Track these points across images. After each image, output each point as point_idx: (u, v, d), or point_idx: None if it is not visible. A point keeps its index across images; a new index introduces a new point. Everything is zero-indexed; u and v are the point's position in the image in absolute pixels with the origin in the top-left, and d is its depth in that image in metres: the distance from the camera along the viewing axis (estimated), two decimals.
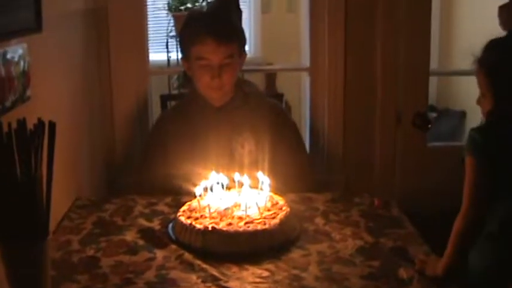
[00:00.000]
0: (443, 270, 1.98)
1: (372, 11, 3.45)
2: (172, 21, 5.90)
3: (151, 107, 3.64)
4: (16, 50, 2.01)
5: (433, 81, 3.60)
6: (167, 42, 6.02)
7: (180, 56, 3.17)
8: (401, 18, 3.43)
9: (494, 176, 2.10)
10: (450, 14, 6.04)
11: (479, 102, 2.25)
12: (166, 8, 6.02)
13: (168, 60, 6.04)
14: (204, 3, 5.72)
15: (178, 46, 2.99)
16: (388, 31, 3.44)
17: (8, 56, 1.94)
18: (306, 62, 3.66)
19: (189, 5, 5.74)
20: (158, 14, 6.30)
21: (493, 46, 2.23)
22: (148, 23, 3.62)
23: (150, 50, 3.60)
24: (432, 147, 3.65)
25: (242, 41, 2.91)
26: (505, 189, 2.12)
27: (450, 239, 2.04)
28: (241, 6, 3.05)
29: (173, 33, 5.90)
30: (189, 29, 2.85)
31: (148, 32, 3.60)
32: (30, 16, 2.17)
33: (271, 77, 6.46)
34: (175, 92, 5.55)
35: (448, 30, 6.01)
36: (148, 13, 3.66)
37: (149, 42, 3.58)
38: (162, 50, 6.08)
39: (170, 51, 6.00)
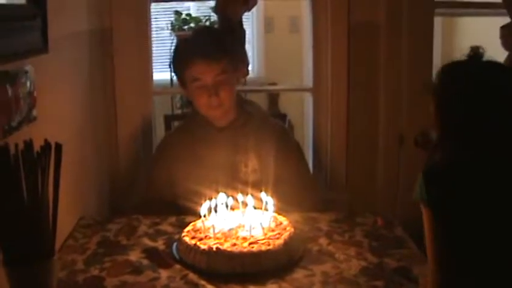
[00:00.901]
0: None
1: (374, 32, 3.46)
2: (175, 40, 5.93)
3: (155, 127, 3.65)
4: (23, 71, 2.03)
5: None
6: (170, 62, 6.04)
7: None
8: (404, 39, 3.44)
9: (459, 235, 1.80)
10: (452, 32, 6.07)
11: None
12: (170, 28, 6.05)
13: (171, 79, 6.06)
14: (207, 23, 5.76)
15: (174, 71, 3.00)
16: (391, 51, 3.45)
17: (15, 77, 1.95)
18: (309, 82, 3.68)
19: (192, 25, 5.77)
20: (161, 33, 6.33)
21: (446, 72, 2.01)
22: (152, 43, 3.64)
23: (153, 70, 3.62)
24: None
25: (234, 55, 2.91)
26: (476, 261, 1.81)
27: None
28: (244, 26, 3.06)
29: None
30: (179, 55, 2.90)
31: (152, 53, 3.62)
32: (36, 37, 2.18)
33: (274, 97, 6.49)
34: (178, 111, 5.57)
35: (450, 47, 6.03)
36: (152, 33, 3.67)
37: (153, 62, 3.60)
38: (165, 69, 6.11)
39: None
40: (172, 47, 5.91)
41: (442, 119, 1.98)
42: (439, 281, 1.82)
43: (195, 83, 2.79)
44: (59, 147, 1.58)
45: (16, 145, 1.52)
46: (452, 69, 2.00)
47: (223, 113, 2.86)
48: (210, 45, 2.83)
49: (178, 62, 2.90)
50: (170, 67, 5.95)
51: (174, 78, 5.92)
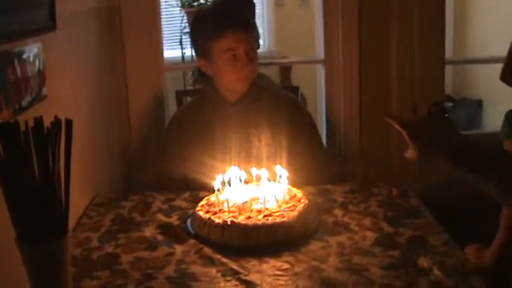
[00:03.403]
0: (491, 262, 1.91)
1: (386, 2, 3.44)
2: (185, 17, 5.92)
3: (167, 103, 3.64)
4: (31, 49, 2.02)
5: (448, 70, 3.58)
6: (181, 38, 6.05)
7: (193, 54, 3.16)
8: (416, 9, 3.42)
9: None
10: (464, 2, 6.02)
11: None
12: (179, 5, 6.03)
13: (183, 56, 6.06)
14: None
15: (193, 46, 2.95)
16: (402, 21, 3.43)
17: (24, 55, 1.95)
18: (320, 54, 3.66)
19: (202, 1, 5.75)
20: (171, 10, 6.32)
21: None
22: (162, 20, 3.62)
23: (164, 47, 3.60)
24: None
25: (258, 32, 2.92)
26: None
27: (499, 232, 1.94)
28: (254, 0, 3.05)
29: (187, 30, 5.92)
30: (206, 25, 2.84)
31: (162, 29, 3.61)
32: (44, 15, 2.17)
33: (286, 70, 6.48)
34: (190, 87, 5.57)
35: (462, 18, 5.99)
36: (161, 10, 3.66)
37: (163, 39, 3.59)
38: (176, 46, 6.11)
39: (184, 48, 6.02)
40: (183, 24, 5.96)
41: None
42: None
43: (226, 53, 2.78)
44: (69, 123, 1.57)
45: (26, 122, 1.52)
46: None
47: (248, 84, 2.85)
48: (244, 15, 2.84)
49: (205, 32, 2.84)
50: (181, 43, 5.99)
51: (186, 54, 5.99)
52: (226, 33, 2.75)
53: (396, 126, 1.86)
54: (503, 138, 2.04)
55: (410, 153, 1.85)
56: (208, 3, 5.64)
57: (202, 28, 2.86)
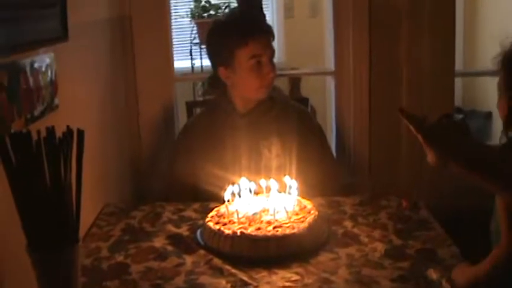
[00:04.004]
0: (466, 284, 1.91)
1: (396, 14, 3.43)
2: (195, 28, 5.93)
3: (177, 114, 3.65)
4: (43, 59, 2.03)
5: (458, 82, 3.58)
6: (191, 49, 6.05)
7: (205, 62, 3.15)
8: (426, 20, 3.41)
9: None
10: (474, 14, 6.02)
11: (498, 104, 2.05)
12: (189, 16, 6.04)
13: (192, 67, 6.07)
14: (226, 10, 5.75)
15: (213, 55, 2.93)
16: (412, 33, 3.43)
17: (36, 65, 1.96)
18: (330, 65, 3.66)
19: (212, 12, 5.76)
20: (181, 21, 6.33)
21: None
22: (172, 31, 3.63)
23: (174, 58, 3.61)
24: None
25: None
26: None
27: (485, 262, 1.92)
28: (264, 11, 3.06)
29: (196, 41, 5.93)
30: (229, 33, 2.82)
31: (172, 40, 3.61)
32: (56, 25, 2.18)
33: (295, 82, 6.47)
34: (200, 98, 5.57)
35: (472, 30, 5.99)
36: (171, 21, 3.67)
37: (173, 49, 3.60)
38: (185, 57, 6.11)
39: (194, 58, 6.03)
40: (193, 34, 5.97)
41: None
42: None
43: (251, 60, 2.77)
44: (81, 133, 1.57)
45: (38, 132, 1.52)
46: None
47: (267, 92, 2.87)
48: (265, 22, 2.86)
49: (228, 40, 2.81)
50: (191, 54, 5.99)
51: (195, 65, 6.00)
52: (251, 39, 2.76)
53: (411, 127, 1.85)
54: None
55: (430, 158, 1.84)
56: (219, 14, 5.65)
57: (224, 36, 2.83)
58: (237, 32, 2.78)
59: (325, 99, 4.24)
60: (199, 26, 5.79)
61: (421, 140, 1.83)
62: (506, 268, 1.84)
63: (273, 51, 2.82)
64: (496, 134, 5.33)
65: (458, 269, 1.97)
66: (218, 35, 2.87)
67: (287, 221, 2.23)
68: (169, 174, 3.02)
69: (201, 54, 5.91)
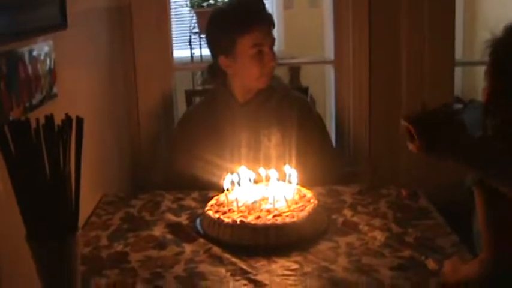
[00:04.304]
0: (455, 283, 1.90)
1: (395, 3, 3.43)
2: (194, 17, 5.92)
3: (176, 103, 3.64)
4: (42, 48, 2.02)
5: (457, 72, 3.57)
6: (190, 38, 6.05)
7: (204, 51, 3.14)
8: (426, 9, 3.41)
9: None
10: (474, 2, 6.00)
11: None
12: (189, 5, 6.03)
13: (192, 56, 6.07)
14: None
15: (213, 44, 2.91)
16: (412, 22, 3.42)
17: (34, 53, 1.95)
18: (330, 55, 3.65)
19: (211, 1, 5.75)
20: (180, 11, 6.32)
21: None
22: (171, 20, 3.62)
23: (173, 47, 3.60)
24: None
25: None
26: None
27: (474, 264, 1.90)
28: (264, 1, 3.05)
29: (196, 30, 5.92)
30: (230, 22, 2.80)
31: (172, 29, 3.61)
32: (55, 13, 2.17)
33: (295, 71, 6.47)
34: (199, 88, 5.57)
35: (471, 19, 5.97)
36: (171, 10, 3.66)
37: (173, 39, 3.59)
38: (185, 46, 6.11)
39: (193, 48, 6.02)
40: (192, 24, 5.96)
41: (496, 79, 1.92)
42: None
43: (253, 49, 2.77)
44: (80, 121, 1.57)
45: (37, 120, 1.52)
46: None
47: (268, 81, 2.85)
48: (265, 11, 2.85)
49: (229, 29, 2.80)
50: (190, 43, 5.99)
51: (195, 54, 6.00)
52: (253, 28, 2.75)
53: (409, 127, 1.85)
54: None
55: (412, 147, 1.85)
56: (218, 3, 5.64)
57: (226, 24, 2.82)
58: (238, 20, 2.77)
59: (325, 89, 4.23)
60: (199, 15, 5.78)
61: (413, 131, 1.82)
62: (495, 271, 1.80)
63: (273, 40, 2.81)
64: None
65: (450, 264, 1.96)
66: (219, 23, 2.86)
67: (287, 210, 2.23)
68: (169, 163, 3.02)
69: (200, 44, 5.90)
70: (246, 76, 2.83)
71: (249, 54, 2.76)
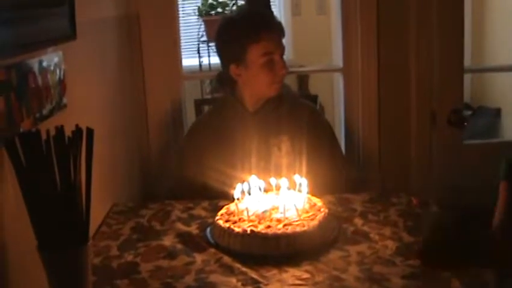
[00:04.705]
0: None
1: (404, 10, 3.42)
2: (203, 25, 5.93)
3: (185, 112, 3.64)
4: (52, 58, 2.03)
5: (466, 78, 3.56)
6: (198, 47, 6.05)
7: (212, 60, 3.15)
8: (434, 17, 3.40)
9: None
10: (482, 10, 6.00)
11: None
12: (197, 13, 6.04)
13: (200, 65, 6.07)
14: (234, 7, 5.74)
15: (224, 52, 2.92)
16: (421, 29, 3.42)
17: (44, 64, 1.95)
18: (338, 62, 3.65)
19: (219, 10, 5.76)
20: (188, 19, 6.33)
21: None
22: (179, 28, 3.62)
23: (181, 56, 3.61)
24: (468, 145, 3.61)
25: None
26: None
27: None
28: (272, 9, 3.05)
29: (204, 38, 5.93)
30: (241, 29, 2.81)
31: (180, 38, 3.61)
32: (64, 24, 2.18)
33: (303, 79, 6.47)
34: (208, 96, 5.58)
35: (480, 26, 5.97)
36: (179, 19, 3.66)
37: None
38: (193, 55, 6.11)
39: (201, 56, 6.03)
40: (200, 32, 5.97)
41: None
42: None
43: (263, 57, 2.77)
44: (90, 132, 1.57)
45: (47, 131, 1.52)
46: None
47: (279, 89, 2.86)
48: (275, 19, 2.86)
49: (239, 37, 2.80)
50: (199, 51, 5.99)
51: (203, 63, 6.00)
52: (264, 36, 2.76)
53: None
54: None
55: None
56: (226, 12, 5.64)
57: (236, 32, 2.82)
58: (249, 29, 2.77)
59: (334, 97, 4.24)
60: (207, 23, 5.79)
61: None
62: None
63: (284, 48, 2.83)
64: (505, 130, 5.33)
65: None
66: (229, 31, 2.86)
67: (297, 219, 2.23)
68: (178, 173, 3.01)
69: (208, 52, 5.91)
70: (256, 84, 2.83)
71: (259, 63, 2.76)
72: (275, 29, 2.81)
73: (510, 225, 2.01)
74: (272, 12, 2.95)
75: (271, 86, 2.81)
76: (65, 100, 2.12)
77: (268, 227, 2.18)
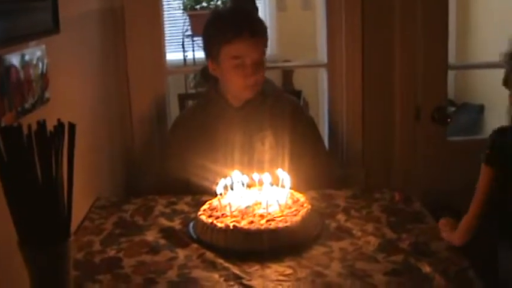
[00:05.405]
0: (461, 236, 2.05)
1: (388, 6, 3.42)
2: (187, 20, 5.92)
3: (169, 107, 3.63)
4: (34, 52, 2.01)
5: (450, 75, 3.57)
6: (183, 41, 6.05)
7: (197, 54, 3.14)
8: (419, 13, 3.40)
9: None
10: (466, 7, 6.02)
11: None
12: (182, 8, 6.03)
13: (185, 59, 6.07)
14: (219, 2, 5.74)
15: (204, 46, 2.91)
16: (405, 25, 3.42)
17: (26, 58, 1.94)
18: (323, 58, 3.65)
19: (204, 4, 5.75)
20: (173, 13, 6.32)
21: None
22: (164, 23, 3.61)
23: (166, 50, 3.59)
24: (452, 142, 3.62)
25: (267, 37, 2.90)
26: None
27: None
28: (257, 4, 3.04)
29: (189, 33, 5.92)
30: (218, 28, 2.80)
31: (165, 32, 3.59)
32: (47, 17, 2.16)
33: (288, 74, 6.48)
34: (192, 91, 5.57)
35: (464, 23, 5.99)
36: (164, 13, 3.65)
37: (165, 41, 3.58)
38: (178, 49, 6.10)
39: (186, 51, 6.02)
40: (185, 26, 5.96)
41: None
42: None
43: (233, 60, 2.75)
44: (72, 126, 1.56)
45: (29, 126, 1.51)
46: None
47: (254, 92, 2.83)
48: (258, 23, 2.81)
49: (216, 35, 2.80)
50: (183, 46, 5.99)
51: (188, 57, 6.00)
52: (235, 40, 2.72)
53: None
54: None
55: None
56: (211, 6, 5.64)
57: (213, 30, 2.82)
58: (224, 29, 2.75)
59: (318, 92, 4.23)
60: (192, 18, 5.78)
61: None
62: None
63: (260, 53, 2.77)
64: (488, 126, 5.35)
65: (443, 226, 2.09)
66: (210, 27, 2.86)
67: (280, 215, 2.23)
68: (161, 168, 3.01)
69: (193, 47, 5.90)
70: (229, 84, 2.83)
71: (230, 65, 2.75)
72: (247, 33, 2.73)
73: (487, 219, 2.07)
74: (257, 9, 2.93)
75: (244, 89, 2.80)
76: (47, 94, 2.11)
77: (251, 222, 2.18)
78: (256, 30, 2.78)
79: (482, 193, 2.14)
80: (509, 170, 2.10)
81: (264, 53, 2.80)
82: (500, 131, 2.19)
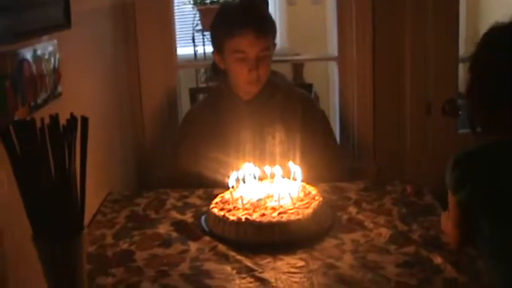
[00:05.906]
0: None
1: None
2: (198, 15, 5.92)
3: (180, 101, 3.64)
4: (46, 47, 2.02)
5: (460, 67, 3.56)
6: (193, 36, 6.05)
7: (207, 49, 3.14)
8: (430, 6, 3.40)
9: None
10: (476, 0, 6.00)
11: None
12: (192, 2, 6.03)
13: (195, 53, 6.07)
14: None
15: (210, 39, 2.92)
16: (416, 18, 3.41)
17: (39, 53, 1.95)
18: (333, 51, 3.65)
19: None
20: (183, 8, 6.31)
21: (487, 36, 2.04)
22: (175, 17, 3.61)
23: (177, 44, 3.60)
24: (463, 134, 3.61)
25: (275, 32, 2.90)
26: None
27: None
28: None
29: (199, 27, 5.92)
30: (223, 22, 2.82)
31: (175, 26, 3.60)
32: (59, 12, 2.17)
33: (298, 68, 6.47)
34: (203, 85, 5.57)
35: (474, 15, 5.96)
36: (174, 8, 3.65)
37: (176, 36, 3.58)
38: (188, 44, 6.11)
39: (196, 45, 6.02)
40: (195, 21, 5.96)
41: (476, 88, 2.01)
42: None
43: (236, 54, 2.76)
44: (85, 120, 1.57)
45: (42, 120, 1.52)
46: (493, 34, 2.03)
47: (258, 87, 2.84)
48: (262, 18, 2.81)
49: (221, 28, 2.82)
50: (194, 40, 5.99)
51: (198, 52, 6.00)
52: (237, 34, 2.73)
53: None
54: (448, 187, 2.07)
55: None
56: (221, 0, 5.63)
57: (219, 23, 2.84)
58: (228, 23, 2.77)
59: (328, 85, 4.22)
60: (202, 12, 5.78)
61: None
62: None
63: (263, 48, 2.76)
64: None
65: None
66: (216, 20, 2.87)
67: (292, 207, 2.23)
68: (173, 161, 3.01)
69: (203, 41, 5.90)
70: (233, 78, 2.83)
71: (232, 58, 2.76)
72: (253, 27, 2.72)
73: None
74: (267, 3, 2.92)
75: (246, 83, 2.81)
76: (59, 89, 2.12)
77: (263, 215, 2.18)
78: (260, 25, 2.77)
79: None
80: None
81: (268, 48, 2.79)
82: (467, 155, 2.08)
